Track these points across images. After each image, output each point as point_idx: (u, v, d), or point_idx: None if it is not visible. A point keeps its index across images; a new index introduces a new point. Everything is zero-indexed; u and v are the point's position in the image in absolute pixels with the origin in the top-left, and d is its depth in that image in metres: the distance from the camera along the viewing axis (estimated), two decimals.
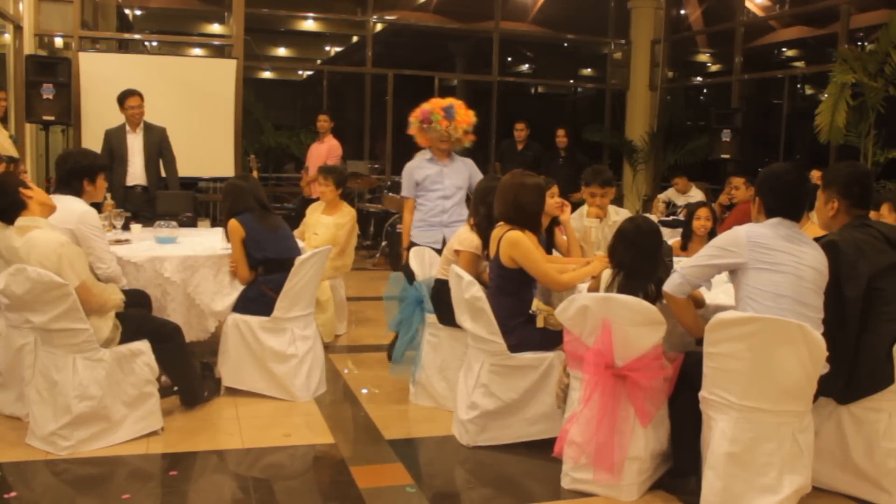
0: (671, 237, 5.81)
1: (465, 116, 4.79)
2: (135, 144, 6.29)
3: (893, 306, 3.06)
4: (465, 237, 4.00)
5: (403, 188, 5.02)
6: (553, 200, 4.13)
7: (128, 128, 6.29)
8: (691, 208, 5.33)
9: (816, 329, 2.85)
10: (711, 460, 2.88)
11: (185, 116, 6.52)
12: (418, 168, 4.94)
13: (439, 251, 4.46)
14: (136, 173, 6.27)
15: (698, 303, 3.24)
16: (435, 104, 4.77)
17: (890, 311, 3.05)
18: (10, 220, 3.49)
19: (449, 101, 4.79)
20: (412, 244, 4.85)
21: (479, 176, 4.90)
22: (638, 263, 3.22)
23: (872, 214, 4.11)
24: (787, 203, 3.02)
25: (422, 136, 4.86)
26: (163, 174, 6.46)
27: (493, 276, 3.71)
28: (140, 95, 6.26)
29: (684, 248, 5.10)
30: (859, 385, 3.06)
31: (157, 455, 3.47)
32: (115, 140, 6.29)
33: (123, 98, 6.22)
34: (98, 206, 4.40)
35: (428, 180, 4.88)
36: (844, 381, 3.05)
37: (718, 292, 3.32)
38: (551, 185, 4.14)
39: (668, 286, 3.07)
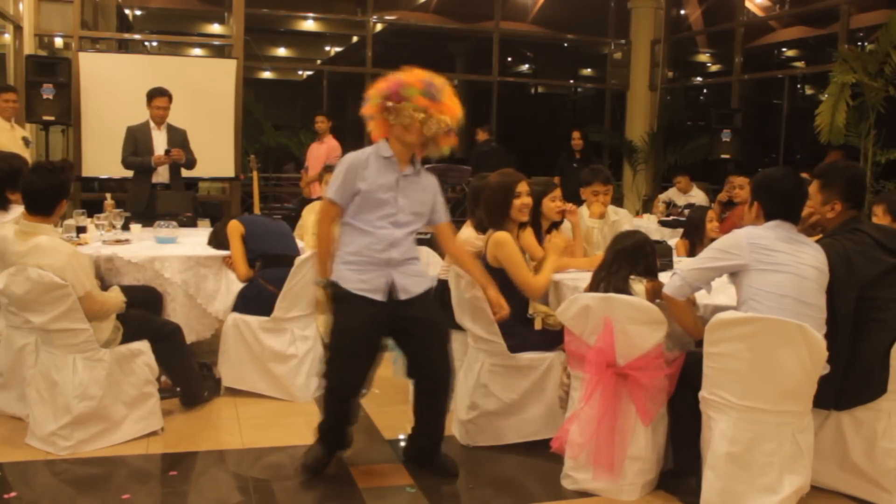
0: (671, 237, 5.80)
1: (455, 105, 3.16)
2: (160, 142, 6.21)
3: (888, 313, 3.05)
4: (474, 238, 4.00)
5: (333, 188, 3.16)
6: (553, 204, 4.13)
7: (152, 125, 6.23)
8: (700, 213, 5.00)
9: (818, 329, 2.85)
10: (711, 460, 2.88)
11: (184, 116, 6.51)
12: (366, 168, 3.13)
13: (379, 304, 3.13)
14: (160, 171, 6.20)
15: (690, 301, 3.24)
16: (413, 76, 3.13)
17: (885, 319, 3.04)
18: (33, 209, 3.41)
19: (433, 76, 3.17)
20: (338, 290, 3.12)
21: (440, 204, 3.33)
22: (617, 264, 3.27)
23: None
24: (785, 206, 3.04)
25: (380, 124, 3.16)
26: (182, 173, 6.43)
27: None
28: (169, 96, 6.20)
29: (693, 255, 4.80)
30: (854, 393, 3.05)
31: (157, 455, 3.47)
32: (140, 135, 6.20)
33: (152, 96, 6.18)
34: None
35: (376, 192, 3.12)
36: (837, 391, 3.04)
37: (717, 293, 3.31)
38: (553, 189, 4.13)
39: (669, 289, 3.08)
